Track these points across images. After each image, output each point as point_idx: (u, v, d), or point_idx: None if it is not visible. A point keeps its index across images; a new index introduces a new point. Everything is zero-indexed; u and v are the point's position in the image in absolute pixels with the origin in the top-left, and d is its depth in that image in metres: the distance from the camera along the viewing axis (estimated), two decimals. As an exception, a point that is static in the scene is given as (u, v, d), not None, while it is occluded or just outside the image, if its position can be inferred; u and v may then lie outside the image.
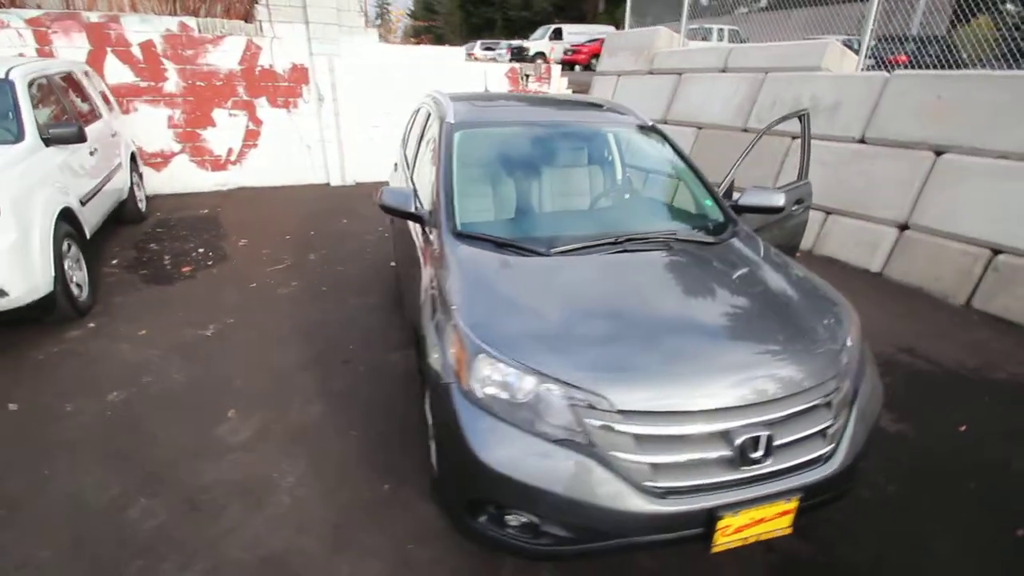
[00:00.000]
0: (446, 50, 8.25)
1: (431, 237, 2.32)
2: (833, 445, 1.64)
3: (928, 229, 4.56)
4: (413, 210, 2.39)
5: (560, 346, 1.61)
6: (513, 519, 1.57)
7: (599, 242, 2.13)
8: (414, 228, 2.64)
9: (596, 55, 15.78)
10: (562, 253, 2.07)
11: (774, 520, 1.56)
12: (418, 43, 12.29)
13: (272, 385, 3.04)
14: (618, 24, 23.64)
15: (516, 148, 2.71)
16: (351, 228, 5.96)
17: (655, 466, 1.48)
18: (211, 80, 6.89)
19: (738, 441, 1.49)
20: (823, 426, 1.62)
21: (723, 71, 6.66)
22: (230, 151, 7.33)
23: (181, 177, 7.11)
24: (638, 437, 1.48)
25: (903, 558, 1.97)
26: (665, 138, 2.84)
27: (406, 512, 2.16)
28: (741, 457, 1.50)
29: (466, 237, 2.16)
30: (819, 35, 6.45)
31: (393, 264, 4.81)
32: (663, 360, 1.59)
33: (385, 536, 2.03)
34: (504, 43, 21.99)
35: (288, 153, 7.60)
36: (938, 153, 4.54)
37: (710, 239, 2.29)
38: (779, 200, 2.55)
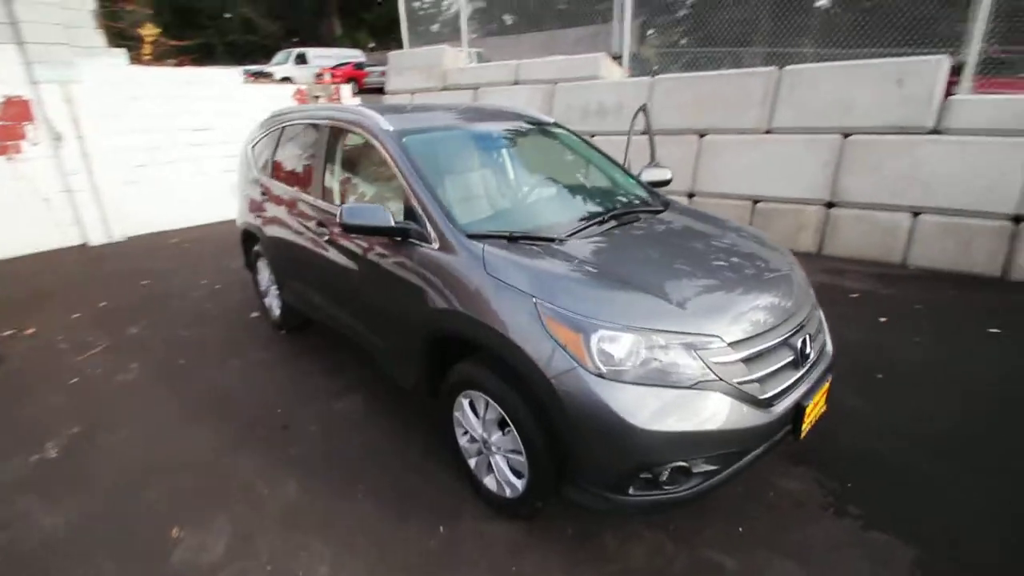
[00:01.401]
0: (220, 72, 7.17)
1: (423, 249, 2.15)
2: (825, 335, 2.16)
3: (706, 193, 5.91)
4: (392, 224, 2.18)
5: (654, 306, 1.74)
6: (665, 474, 1.65)
7: (592, 222, 2.29)
8: (370, 249, 2.41)
9: (351, 78, 15.53)
10: (570, 236, 2.17)
11: (820, 400, 1.97)
12: (178, 65, 10.34)
13: (210, 479, 2.38)
14: (360, 46, 23.72)
15: (465, 150, 2.67)
16: (162, 289, 4.83)
17: (761, 381, 1.73)
18: None
19: (797, 344, 1.86)
20: (823, 323, 2.11)
21: (516, 83, 7.40)
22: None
23: None
24: (746, 360, 1.72)
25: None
26: (573, 133, 3.15)
27: (482, 538, 2.00)
28: (801, 356, 1.86)
29: (478, 237, 2.08)
30: (549, 55, 7.54)
31: (256, 314, 4.13)
32: (734, 297, 1.86)
33: None
34: (239, 69, 19.94)
35: (14, 212, 5.70)
36: (701, 135, 5.93)
37: (661, 207, 2.66)
38: (668, 174, 3.09)
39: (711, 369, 1.65)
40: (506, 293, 1.82)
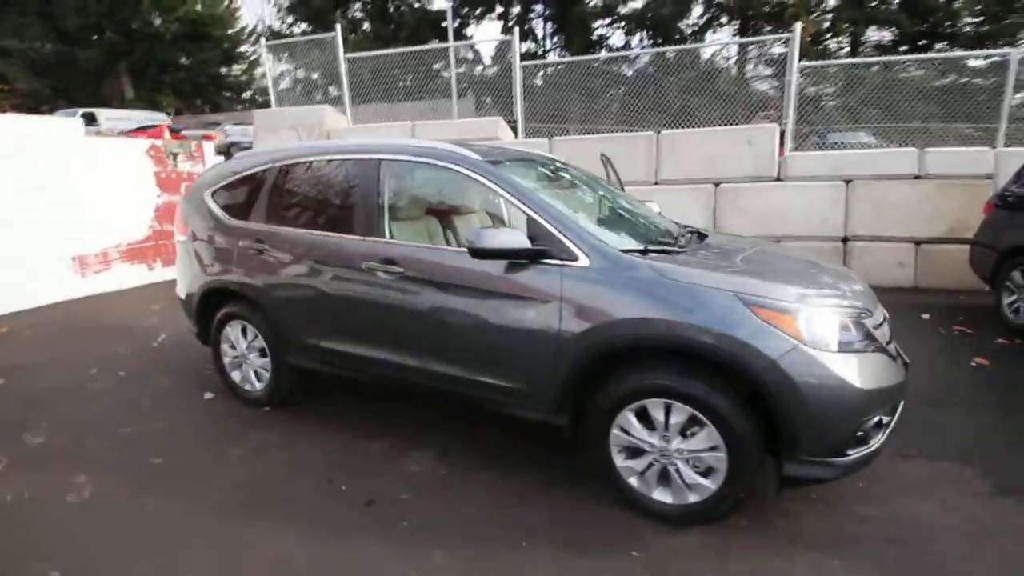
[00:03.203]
0: (52, 121, 5.73)
1: (570, 268, 2.14)
2: None
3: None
4: (530, 246, 2.15)
5: (826, 290, 2.10)
6: (870, 430, 1.89)
7: (678, 240, 2.55)
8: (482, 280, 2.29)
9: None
10: (683, 249, 2.39)
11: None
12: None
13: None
14: (161, 108, 21.01)
15: (542, 177, 2.72)
16: (34, 387, 3.60)
17: (888, 343, 2.14)
18: None
19: (886, 315, 2.32)
20: None
21: (412, 143, 7.49)
22: None
23: None
24: (878, 327, 2.10)
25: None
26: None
27: (682, 552, 1.97)
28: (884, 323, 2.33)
29: (627, 252, 2.17)
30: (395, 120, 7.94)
31: (211, 395, 3.38)
32: (842, 285, 2.25)
33: None
34: None
35: None
36: (601, 187, 6.73)
37: (699, 231, 3.02)
38: (657, 208, 3.55)
39: (875, 335, 1.99)
40: (703, 294, 1.94)
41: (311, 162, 2.93)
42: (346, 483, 2.44)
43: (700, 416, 1.96)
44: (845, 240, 5.97)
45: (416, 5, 19.94)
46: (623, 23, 17.91)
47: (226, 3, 23.24)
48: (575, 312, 2.10)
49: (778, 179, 6.16)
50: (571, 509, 2.25)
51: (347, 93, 8.16)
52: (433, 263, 2.45)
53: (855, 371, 1.86)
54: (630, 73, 7.88)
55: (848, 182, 5.94)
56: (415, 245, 2.53)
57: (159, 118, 17.87)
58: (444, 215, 2.93)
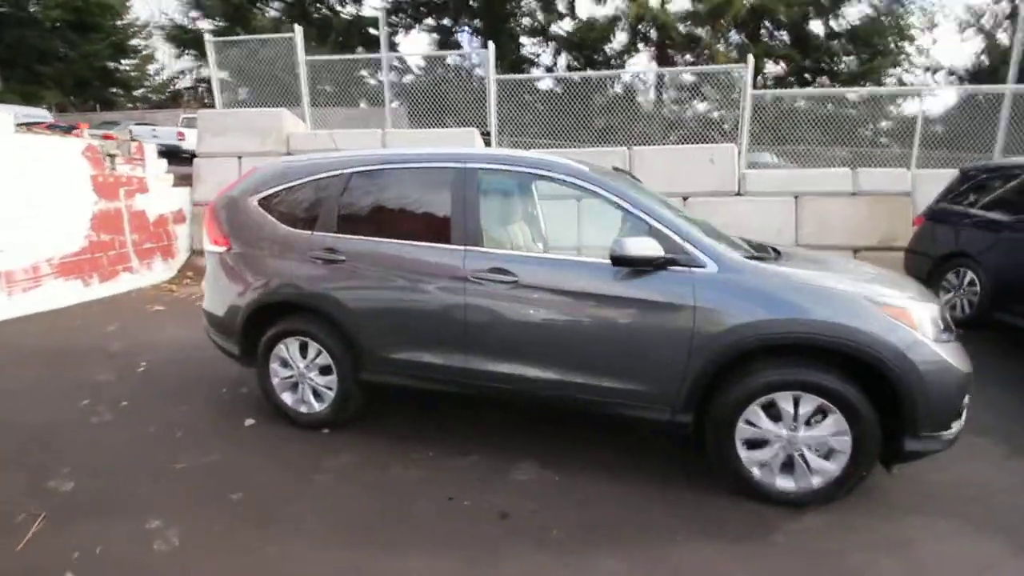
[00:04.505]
0: None
1: (700, 274, 2.28)
2: None
3: (591, 247, 6.94)
4: (664, 254, 2.28)
5: (911, 291, 2.42)
6: (962, 407, 2.23)
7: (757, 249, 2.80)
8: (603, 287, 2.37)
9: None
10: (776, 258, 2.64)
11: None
12: None
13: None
14: (37, 103, 18.25)
15: (636, 189, 2.83)
16: (31, 420, 3.06)
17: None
18: None
19: None
20: None
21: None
22: None
23: None
24: None
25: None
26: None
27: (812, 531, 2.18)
28: None
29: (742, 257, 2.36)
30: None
31: (251, 421, 3.10)
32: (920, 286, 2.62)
33: None
34: None
35: None
36: (578, 200, 6.98)
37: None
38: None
39: (953, 328, 2.34)
40: (837, 295, 2.18)
41: (390, 169, 2.83)
42: (468, 499, 2.37)
43: (828, 405, 2.18)
44: (798, 248, 6.72)
45: (342, 9, 19.32)
46: (552, 43, 18.63)
47: (116, -9, 20.89)
48: (709, 315, 2.24)
49: (738, 194, 6.79)
50: (693, 505, 2.36)
51: (306, 97, 7.76)
52: (555, 271, 2.48)
53: (954, 356, 2.18)
54: (610, 90, 8.27)
55: (797, 197, 6.71)
56: (531, 254, 2.56)
57: (39, 115, 15.61)
58: (526, 223, 2.96)
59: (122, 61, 22.98)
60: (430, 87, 8.65)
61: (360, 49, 17.89)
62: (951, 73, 17.32)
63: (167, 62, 23.64)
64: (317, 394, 2.96)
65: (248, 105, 8.21)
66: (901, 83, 16.32)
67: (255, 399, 3.27)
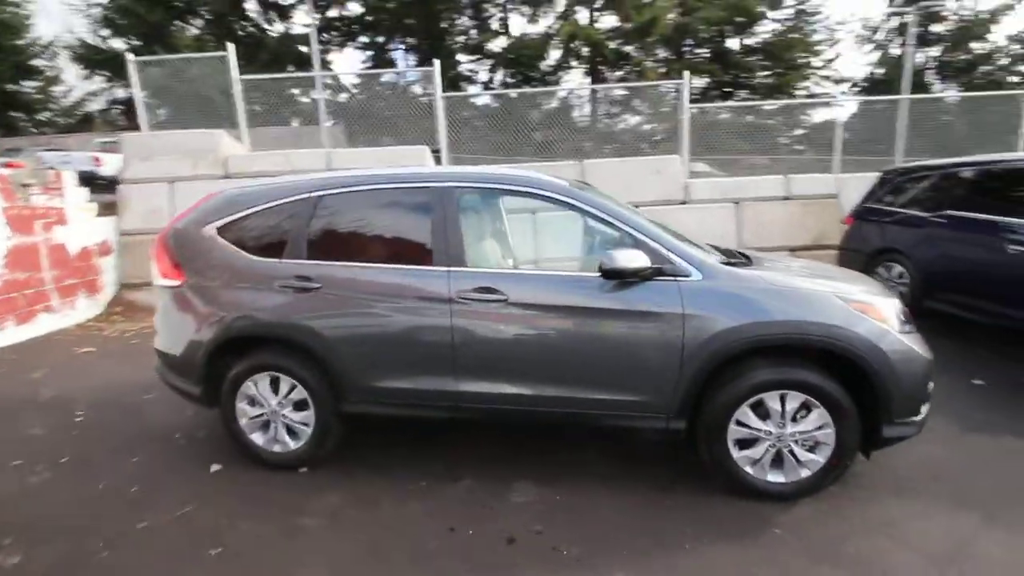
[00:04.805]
0: None
1: (685, 283, 2.34)
2: None
3: (548, 258, 7.01)
4: (650, 264, 2.32)
5: (871, 286, 2.58)
6: (929, 391, 2.40)
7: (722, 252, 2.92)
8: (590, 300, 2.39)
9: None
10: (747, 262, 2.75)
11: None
12: None
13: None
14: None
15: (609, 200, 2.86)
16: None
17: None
18: None
19: None
20: None
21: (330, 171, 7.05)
22: None
23: None
24: None
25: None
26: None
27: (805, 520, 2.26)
28: None
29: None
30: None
31: (218, 467, 2.88)
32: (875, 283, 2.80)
33: None
34: None
35: None
36: (533, 212, 7.05)
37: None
38: None
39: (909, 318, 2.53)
40: (814, 296, 2.29)
41: (362, 191, 2.72)
42: (470, 528, 2.29)
43: (812, 400, 2.28)
44: (742, 251, 7.08)
45: (270, 28, 18.71)
46: (488, 60, 18.88)
47: (16, 9, 19.20)
48: (699, 322, 2.30)
49: (683, 202, 7.09)
50: (689, 508, 2.40)
51: (243, 117, 7.41)
52: (544, 287, 2.46)
53: (918, 345, 2.35)
54: (555, 105, 8.43)
55: (737, 203, 7.09)
56: (518, 271, 2.53)
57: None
58: (495, 240, 2.93)
59: (23, 83, 21.11)
60: (369, 105, 8.52)
61: (291, 68, 17.39)
62: (854, 85, 19.04)
63: (74, 83, 21.94)
64: (292, 431, 2.77)
65: (174, 127, 7.73)
66: (811, 96, 17.77)
67: (217, 442, 3.03)
